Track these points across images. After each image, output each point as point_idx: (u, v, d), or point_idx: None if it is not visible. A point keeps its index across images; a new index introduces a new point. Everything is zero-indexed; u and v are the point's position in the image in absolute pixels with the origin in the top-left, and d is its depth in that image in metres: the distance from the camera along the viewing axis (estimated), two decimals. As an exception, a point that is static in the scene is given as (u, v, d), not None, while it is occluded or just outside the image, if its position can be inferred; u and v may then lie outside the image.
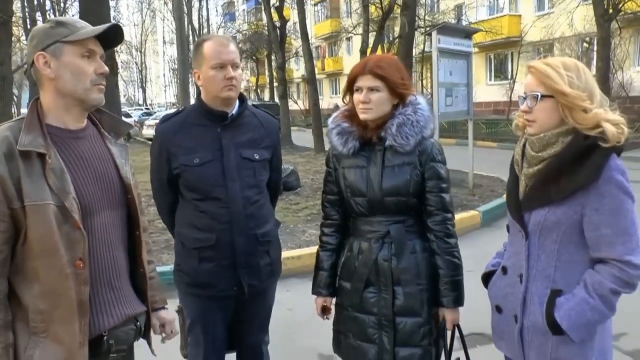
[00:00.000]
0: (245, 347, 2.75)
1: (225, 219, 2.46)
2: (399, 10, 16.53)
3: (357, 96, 2.27)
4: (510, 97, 26.39)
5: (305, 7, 20.93)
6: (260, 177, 2.59)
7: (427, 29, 24.86)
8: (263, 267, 2.58)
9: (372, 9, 19.74)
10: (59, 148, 1.69)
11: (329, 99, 41.45)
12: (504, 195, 8.66)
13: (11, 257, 1.65)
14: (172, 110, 3.22)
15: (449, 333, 2.36)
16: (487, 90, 28.67)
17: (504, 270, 2.07)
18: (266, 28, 33.24)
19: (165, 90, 71.78)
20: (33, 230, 1.61)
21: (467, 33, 8.96)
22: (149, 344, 2.03)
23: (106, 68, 1.79)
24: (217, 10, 52.44)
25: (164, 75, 70.76)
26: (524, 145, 1.98)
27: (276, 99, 30.36)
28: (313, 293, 2.52)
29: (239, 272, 2.51)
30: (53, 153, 1.66)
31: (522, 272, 1.96)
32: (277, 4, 20.20)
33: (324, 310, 2.52)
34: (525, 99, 1.89)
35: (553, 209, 1.85)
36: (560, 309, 1.84)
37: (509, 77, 28.09)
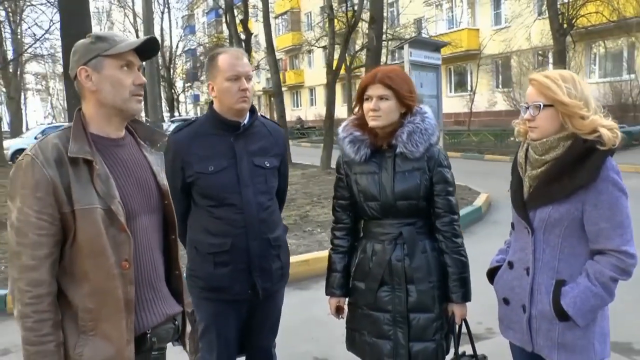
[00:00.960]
0: (256, 350, 2.84)
1: (240, 224, 2.56)
2: (361, 24, 16.93)
3: (367, 105, 2.41)
4: (471, 109, 27.11)
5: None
6: (271, 183, 2.70)
7: (390, 42, 25.41)
8: (275, 271, 2.69)
9: (335, 22, 20.10)
10: (102, 155, 1.78)
11: (290, 112, 41.62)
12: (474, 202, 8.95)
13: (60, 259, 1.72)
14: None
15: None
16: (448, 102, 29.36)
17: (510, 264, 2.25)
18: (227, 41, 33.34)
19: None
20: (82, 233, 1.69)
21: (436, 46, 9.29)
22: (184, 344, 2.11)
23: (143, 79, 1.88)
24: (177, 23, 52.18)
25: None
26: (527, 150, 2.17)
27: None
28: (327, 294, 2.64)
29: (253, 275, 2.60)
30: (98, 160, 1.75)
31: (529, 265, 2.13)
32: (242, 17, 20.28)
33: (338, 310, 2.64)
34: (527, 108, 2.08)
35: (556, 206, 2.04)
36: (566, 296, 2.03)
37: (469, 89, 28.81)
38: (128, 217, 1.78)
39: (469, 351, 2.53)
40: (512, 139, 20.35)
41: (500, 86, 27.77)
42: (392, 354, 2.42)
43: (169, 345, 2.17)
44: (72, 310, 1.73)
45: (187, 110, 66.98)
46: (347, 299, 2.63)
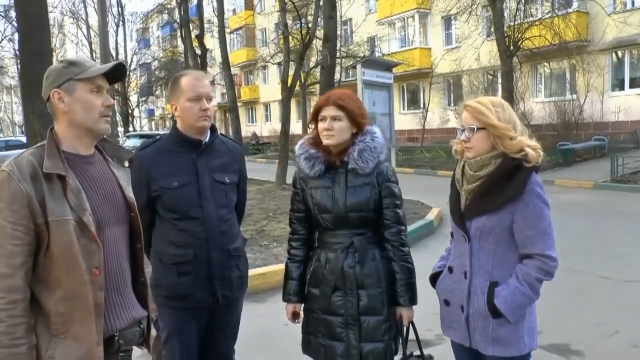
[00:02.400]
0: (216, 356, 2.97)
1: (202, 236, 2.72)
2: (315, 42, 17.23)
3: (321, 124, 2.62)
4: (424, 125, 27.71)
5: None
6: (230, 198, 2.88)
7: (344, 60, 25.86)
8: (234, 280, 2.85)
9: (290, 39, 20.40)
10: (74, 171, 1.92)
11: (245, 127, 41.70)
12: (426, 216, 9.26)
13: (33, 267, 1.85)
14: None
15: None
16: (401, 119, 29.99)
17: (450, 269, 2.51)
18: (182, 55, 33.25)
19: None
20: (55, 243, 1.82)
21: (387, 66, 9.61)
22: (148, 347, 2.23)
23: (112, 101, 2.05)
24: (131, 36, 51.63)
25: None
26: (463, 167, 2.44)
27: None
28: (284, 300, 2.82)
29: (214, 283, 2.76)
30: (71, 175, 1.89)
31: (467, 270, 2.39)
32: (198, 32, 20.36)
33: (294, 315, 2.82)
34: (463, 131, 2.36)
35: (490, 216, 2.31)
36: (498, 296, 2.29)
37: (422, 106, 29.48)
38: (98, 227, 1.92)
39: (417, 353, 2.75)
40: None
41: (452, 104, 28.52)
42: (345, 354, 2.61)
43: (135, 348, 2.31)
44: (44, 315, 1.85)
45: (142, 124, 66.07)
46: (302, 305, 2.81)
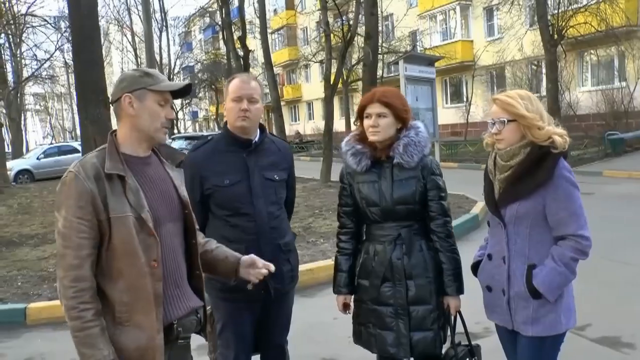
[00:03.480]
0: (270, 347, 3.09)
1: (253, 231, 2.85)
2: (357, 38, 17.27)
3: (367, 121, 2.72)
4: (467, 119, 27.36)
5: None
6: (280, 195, 2.99)
7: (385, 55, 25.80)
8: (285, 273, 2.96)
9: (332, 37, 20.48)
10: (132, 172, 2.07)
11: (288, 126, 42.06)
12: (471, 210, 9.20)
13: (97, 261, 2.00)
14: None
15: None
16: (444, 113, 29.69)
17: (489, 257, 2.61)
18: (224, 57, 33.74)
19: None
20: (117, 237, 1.97)
21: (430, 61, 9.61)
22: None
23: (173, 115, 2.20)
24: (174, 40, 52.65)
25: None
26: (495, 158, 2.55)
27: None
28: (334, 292, 2.93)
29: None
30: (130, 175, 2.04)
31: (505, 255, 2.50)
32: (240, 34, 20.63)
33: (345, 307, 2.92)
34: (494, 123, 2.48)
35: (522, 202, 2.43)
36: (536, 277, 2.41)
37: (465, 100, 29.14)
38: (155, 223, 2.06)
39: (465, 341, 2.82)
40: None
41: (495, 96, 28.04)
42: (396, 344, 2.70)
43: (193, 339, 2.44)
44: (109, 305, 2.00)
45: (186, 127, 67.32)
46: (352, 297, 2.90)
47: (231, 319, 2.91)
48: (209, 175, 2.87)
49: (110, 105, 2.19)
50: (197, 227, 2.30)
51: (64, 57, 35.68)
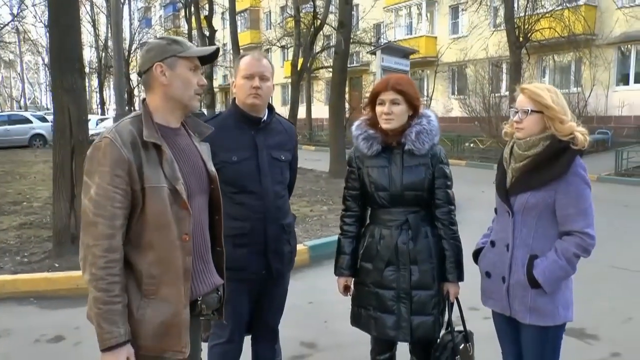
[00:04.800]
0: (264, 328, 3.09)
1: (259, 210, 2.83)
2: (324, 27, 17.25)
3: (380, 108, 2.74)
4: (427, 114, 27.58)
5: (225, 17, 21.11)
6: (285, 175, 2.99)
7: (350, 45, 25.81)
8: (286, 254, 2.97)
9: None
10: (166, 142, 2.01)
11: (248, 110, 41.65)
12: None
13: (126, 231, 1.95)
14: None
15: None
16: (404, 107, 29.99)
17: (492, 243, 2.67)
18: (185, 35, 33.14)
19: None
20: (150, 208, 1.92)
21: (405, 53, 9.70)
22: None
23: (205, 81, 2.16)
24: (133, 15, 51.24)
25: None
26: (512, 147, 2.59)
27: (202, 108, 30.23)
28: (336, 274, 2.95)
29: (268, 256, 2.87)
30: (165, 145, 1.99)
31: (509, 242, 2.55)
32: (207, 13, 20.36)
33: (346, 289, 2.95)
34: (517, 112, 2.51)
35: (534, 193, 2.47)
36: (537, 268, 2.46)
37: (425, 94, 29.51)
38: (188, 196, 2.01)
39: (460, 327, 2.89)
40: (467, 144, 21.12)
41: (455, 93, 28.58)
42: (396, 327, 2.74)
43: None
44: (135, 277, 1.95)
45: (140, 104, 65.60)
46: (353, 279, 2.94)
47: (231, 297, 2.87)
48: (217, 150, 2.81)
49: (139, 75, 2.12)
50: (222, 202, 2.26)
51: (15, 23, 34.35)
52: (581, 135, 2.42)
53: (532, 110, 2.46)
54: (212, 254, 2.26)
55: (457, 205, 2.88)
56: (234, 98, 2.96)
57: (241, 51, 22.41)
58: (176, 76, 2.04)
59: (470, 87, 23.18)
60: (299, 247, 6.69)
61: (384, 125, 2.73)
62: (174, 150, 2.05)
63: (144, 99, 2.11)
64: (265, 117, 2.92)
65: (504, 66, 23.14)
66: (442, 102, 28.45)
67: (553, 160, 2.43)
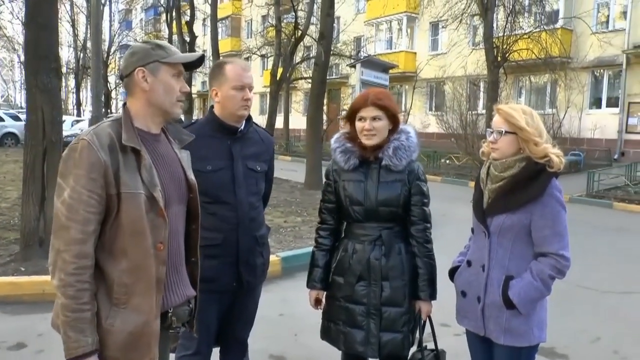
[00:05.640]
0: (232, 341, 3.04)
1: (233, 221, 2.79)
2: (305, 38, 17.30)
3: (360, 124, 2.73)
4: (404, 129, 27.73)
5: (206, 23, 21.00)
6: (260, 186, 2.96)
7: (330, 57, 25.89)
8: (259, 266, 2.94)
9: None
10: (146, 147, 1.98)
11: (226, 117, 41.45)
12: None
13: (99, 236, 1.89)
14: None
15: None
16: (382, 120, 30.11)
17: (469, 263, 2.67)
18: (165, 39, 32.91)
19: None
20: (125, 214, 1.87)
21: (384, 67, 9.75)
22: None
23: (188, 88, 2.12)
24: (113, 17, 50.80)
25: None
26: (489, 167, 2.60)
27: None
28: (308, 287, 2.92)
29: (240, 268, 2.83)
30: (144, 151, 1.95)
31: (485, 263, 2.56)
32: (188, 18, 20.27)
33: (317, 302, 2.92)
34: (492, 132, 2.53)
35: (510, 215, 2.49)
36: (512, 289, 2.47)
37: (403, 109, 29.69)
38: (165, 204, 1.97)
39: (431, 345, 2.88)
40: (443, 160, 21.28)
41: (433, 109, 28.82)
42: (365, 342, 2.72)
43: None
44: (106, 284, 1.89)
45: (118, 107, 65.13)
46: (325, 293, 2.91)
47: (200, 309, 2.83)
48: (192, 159, 2.78)
49: (120, 79, 2.08)
50: (199, 212, 2.22)
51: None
52: (556, 157, 2.44)
53: (506, 131, 2.48)
54: (187, 265, 2.21)
55: (432, 221, 2.87)
56: (212, 106, 2.92)
57: (221, 58, 22.28)
58: (158, 82, 2.01)
59: (448, 104, 23.38)
60: (272, 257, 6.65)
61: (365, 141, 2.72)
62: (153, 156, 2.01)
63: (125, 103, 2.07)
64: (242, 127, 2.89)
65: (482, 84, 23.40)
66: (419, 118, 28.64)
67: (529, 182, 2.44)
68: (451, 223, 8.43)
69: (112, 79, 40.55)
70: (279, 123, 29.34)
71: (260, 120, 15.78)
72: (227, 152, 2.83)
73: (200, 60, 2.14)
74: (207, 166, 2.78)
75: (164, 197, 1.98)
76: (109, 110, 34.79)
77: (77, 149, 1.86)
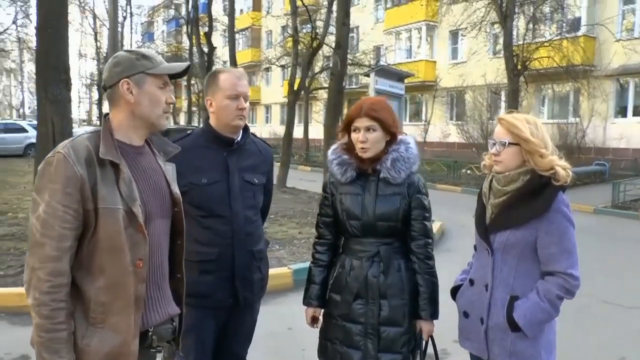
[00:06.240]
0: (229, 357, 2.93)
1: (228, 235, 2.69)
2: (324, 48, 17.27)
3: (355, 135, 2.61)
4: (425, 138, 27.71)
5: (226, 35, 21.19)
6: (257, 199, 2.86)
7: (349, 67, 25.84)
8: (256, 282, 2.83)
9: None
10: (125, 160, 1.90)
11: (246, 127, 41.63)
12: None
13: (76, 253, 1.81)
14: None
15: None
16: (403, 130, 29.96)
17: (471, 282, 2.53)
18: (186, 51, 33.26)
19: (78, 107, 68.75)
20: (103, 230, 1.79)
21: (400, 76, 9.62)
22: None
23: (174, 98, 2.04)
24: (136, 29, 51.62)
25: (77, 90, 67.99)
26: (491, 181, 2.45)
27: (195, 123, 30.23)
28: (304, 304, 2.81)
29: (236, 284, 2.73)
30: (124, 164, 1.87)
31: (488, 282, 2.41)
32: (207, 29, 20.35)
33: (314, 320, 2.81)
34: (494, 144, 2.38)
35: (513, 231, 2.33)
36: (517, 310, 2.32)
37: (423, 119, 29.53)
38: (145, 219, 1.89)
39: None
40: (463, 170, 21.04)
41: (454, 118, 28.58)
42: None
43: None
44: (83, 303, 1.82)
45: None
46: (322, 310, 2.79)
47: (195, 325, 2.73)
48: (186, 171, 2.68)
49: (104, 89, 1.99)
50: (184, 226, 2.14)
51: (17, 32, 34.50)
52: (563, 170, 2.29)
53: (509, 143, 2.33)
54: (171, 281, 2.12)
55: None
56: (207, 117, 2.83)
57: (239, 68, 22.34)
58: (144, 94, 1.93)
59: (469, 113, 23.22)
60: (283, 270, 6.58)
61: (360, 153, 2.61)
62: (134, 169, 1.93)
63: (107, 114, 1.99)
64: (238, 138, 2.80)
65: (503, 93, 23.13)
66: (440, 127, 28.44)
67: (533, 197, 2.30)
68: (470, 234, 8.19)
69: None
70: (299, 133, 29.37)
71: (281, 130, 15.72)
72: (222, 164, 2.74)
73: (186, 70, 2.06)
74: (202, 179, 2.70)
75: (144, 212, 1.90)
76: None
77: (52, 162, 1.79)
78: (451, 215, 10.49)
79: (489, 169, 2.49)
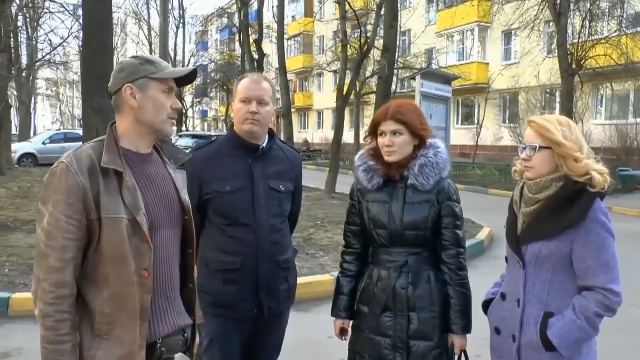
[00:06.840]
0: None
1: (252, 244, 2.63)
2: (372, 51, 17.15)
3: (381, 139, 2.52)
4: (477, 141, 27.17)
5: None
6: (284, 207, 2.79)
7: (400, 70, 25.66)
8: (282, 292, 2.75)
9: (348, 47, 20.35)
10: (131, 168, 1.87)
11: (297, 133, 41.95)
12: (477, 236, 8.98)
13: (82, 263, 1.80)
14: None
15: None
16: (454, 134, 29.47)
17: (503, 296, 2.37)
18: (239, 58, 33.72)
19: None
20: (106, 240, 1.78)
21: (447, 79, 9.44)
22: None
23: (180, 104, 2.00)
24: (190, 38, 52.78)
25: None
26: (522, 188, 2.30)
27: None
28: (332, 315, 2.72)
29: (260, 295, 2.66)
30: (128, 172, 1.84)
31: (520, 297, 2.25)
32: (256, 37, 20.57)
33: (342, 332, 2.72)
34: (524, 149, 2.22)
35: (547, 242, 2.16)
36: (552, 327, 2.14)
37: (476, 122, 28.95)
38: (151, 228, 1.86)
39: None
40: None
41: (506, 121, 27.92)
42: None
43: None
44: (88, 314, 1.81)
45: (194, 125, 67.32)
46: (351, 322, 2.70)
47: (219, 336, 2.70)
48: (210, 179, 2.66)
49: (109, 97, 1.98)
50: (194, 235, 2.10)
51: (78, 45, 35.80)
52: (599, 174, 2.11)
53: (540, 147, 2.17)
54: (183, 291, 2.08)
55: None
56: (232, 123, 2.80)
57: (288, 75, 22.49)
58: (147, 99, 1.90)
59: (522, 116, 22.58)
60: (326, 277, 6.50)
61: (386, 157, 2.51)
62: (140, 177, 1.90)
63: (112, 123, 1.97)
64: (264, 144, 2.74)
65: (557, 94, 22.41)
66: (492, 130, 27.82)
67: (568, 205, 2.12)
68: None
69: (188, 98, 41.87)
70: (350, 138, 29.28)
71: (332, 135, 15.76)
72: (247, 172, 2.68)
73: (193, 75, 2.02)
74: (225, 186, 2.65)
75: (149, 221, 1.86)
76: (185, 128, 35.87)
77: (55, 172, 1.79)
78: (502, 221, 10.04)
79: (520, 176, 2.34)
